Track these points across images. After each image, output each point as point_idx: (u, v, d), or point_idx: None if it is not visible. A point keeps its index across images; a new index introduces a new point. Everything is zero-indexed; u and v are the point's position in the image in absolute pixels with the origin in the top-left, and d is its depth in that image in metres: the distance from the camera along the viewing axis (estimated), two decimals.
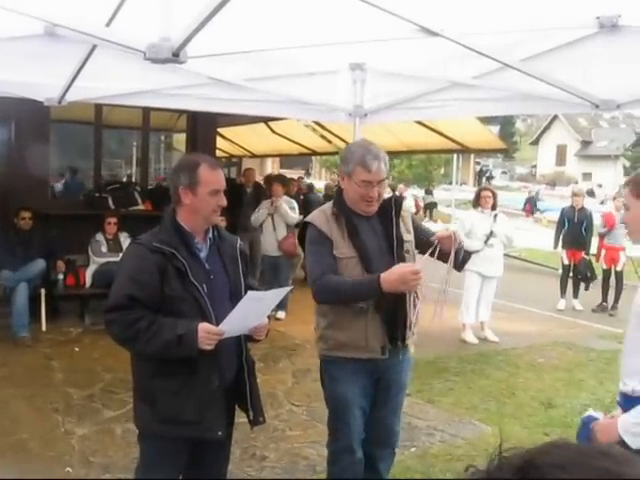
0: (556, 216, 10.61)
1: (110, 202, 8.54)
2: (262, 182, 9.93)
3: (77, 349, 6.28)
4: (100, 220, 7.35)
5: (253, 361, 2.71)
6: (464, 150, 11.12)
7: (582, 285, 9.28)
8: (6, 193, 7.89)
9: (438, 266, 2.83)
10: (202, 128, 9.36)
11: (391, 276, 2.63)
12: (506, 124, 50.01)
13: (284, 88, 4.17)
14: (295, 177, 13.37)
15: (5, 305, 6.58)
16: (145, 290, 2.35)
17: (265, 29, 3.12)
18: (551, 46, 3.04)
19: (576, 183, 35.63)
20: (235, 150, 16.14)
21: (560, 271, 9.63)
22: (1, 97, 4.09)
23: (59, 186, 10.13)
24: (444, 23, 2.65)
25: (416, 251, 2.98)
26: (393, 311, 2.84)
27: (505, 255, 7.96)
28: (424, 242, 2.91)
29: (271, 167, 23.73)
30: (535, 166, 52.97)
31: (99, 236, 7.27)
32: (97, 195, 8.71)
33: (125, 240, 7.03)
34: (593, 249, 9.63)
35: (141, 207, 8.75)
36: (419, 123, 8.81)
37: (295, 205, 8.01)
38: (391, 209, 2.91)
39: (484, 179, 43.41)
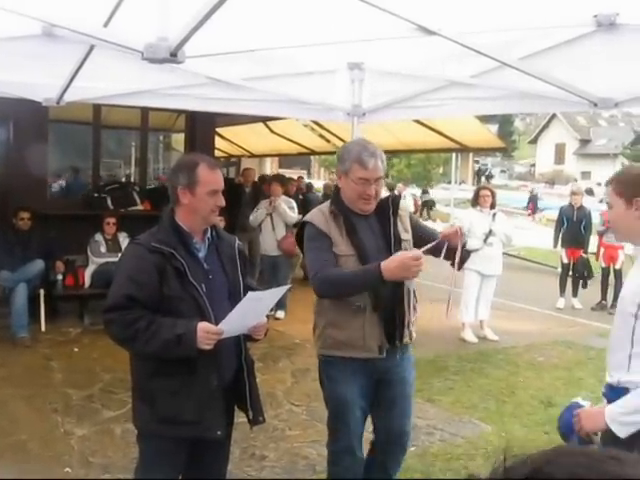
0: (555, 215, 10.62)
1: (109, 202, 8.54)
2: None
3: (76, 349, 6.28)
4: (99, 220, 7.35)
5: (252, 361, 2.71)
6: (463, 149, 11.13)
7: (581, 283, 9.29)
8: (5, 193, 7.88)
9: (443, 266, 2.82)
10: (201, 128, 9.35)
11: (392, 263, 2.61)
12: (505, 123, 50.04)
13: (282, 88, 4.17)
14: (295, 177, 13.35)
15: (4, 305, 6.57)
16: (144, 290, 2.35)
17: (263, 29, 3.12)
18: (549, 44, 3.04)
19: (575, 181, 35.63)
20: (234, 150, 16.14)
21: (559, 270, 9.64)
22: None
23: (57, 186, 10.11)
24: (442, 22, 2.65)
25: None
26: (391, 310, 2.84)
27: (504, 254, 7.97)
28: (424, 239, 2.89)
29: (270, 167, 23.70)
30: (534, 165, 53.00)
31: (98, 236, 7.27)
32: (96, 195, 8.70)
33: (124, 240, 7.03)
34: (593, 247, 9.64)
35: (140, 207, 8.75)
36: (418, 122, 8.81)
37: (294, 205, 8.01)
38: (389, 208, 2.90)
39: (483, 178, 43.45)
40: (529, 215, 27.50)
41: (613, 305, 9.14)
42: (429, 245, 2.80)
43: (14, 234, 6.81)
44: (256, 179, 10.16)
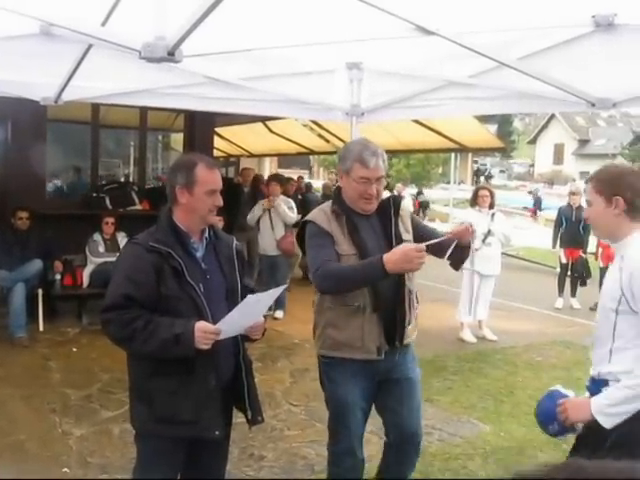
0: (554, 215, 10.62)
1: (107, 202, 8.52)
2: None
3: (75, 349, 6.27)
4: (97, 220, 7.34)
5: (250, 361, 2.71)
6: (462, 149, 11.13)
7: (579, 282, 9.30)
8: (3, 193, 7.87)
9: (445, 267, 2.80)
10: (200, 128, 9.34)
11: (394, 255, 2.58)
12: (504, 123, 50.08)
13: (281, 87, 4.17)
14: (295, 177, 13.35)
15: (2, 305, 6.57)
16: (141, 290, 2.35)
17: (261, 28, 3.11)
18: (547, 45, 3.04)
19: (574, 181, 35.65)
20: (233, 150, 16.13)
21: (558, 270, 9.64)
22: None
23: (55, 186, 10.10)
24: (440, 22, 2.65)
25: None
26: (391, 310, 2.84)
27: (503, 254, 7.96)
28: (425, 240, 2.87)
29: (269, 167, 23.68)
30: (533, 165, 53.03)
31: (96, 236, 7.26)
32: (94, 195, 8.68)
33: (123, 240, 7.02)
34: (592, 247, 9.63)
35: (138, 207, 8.74)
36: (417, 122, 8.81)
37: (293, 205, 8.00)
38: (390, 208, 2.90)
39: (482, 178, 43.47)
40: (530, 216, 27.50)
41: None
42: (435, 240, 2.77)
43: (12, 234, 6.80)
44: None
